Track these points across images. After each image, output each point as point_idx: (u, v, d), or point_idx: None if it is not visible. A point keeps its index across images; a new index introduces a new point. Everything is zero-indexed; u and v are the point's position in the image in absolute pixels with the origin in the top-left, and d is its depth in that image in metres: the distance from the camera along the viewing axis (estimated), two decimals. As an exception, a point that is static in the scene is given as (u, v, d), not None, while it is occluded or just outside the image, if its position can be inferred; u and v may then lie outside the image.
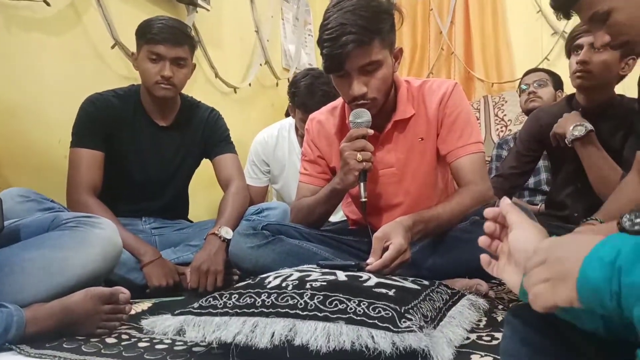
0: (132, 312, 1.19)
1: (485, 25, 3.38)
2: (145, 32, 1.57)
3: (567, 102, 1.72)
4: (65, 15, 1.87)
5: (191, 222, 1.84)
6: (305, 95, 1.91)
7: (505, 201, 0.65)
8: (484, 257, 0.66)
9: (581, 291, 0.42)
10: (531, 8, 3.21)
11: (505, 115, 3.18)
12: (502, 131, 3.11)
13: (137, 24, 1.62)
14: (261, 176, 2.29)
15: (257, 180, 2.29)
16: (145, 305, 1.31)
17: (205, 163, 1.86)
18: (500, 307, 1.19)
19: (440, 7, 3.53)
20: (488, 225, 0.66)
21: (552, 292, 0.45)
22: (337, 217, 2.14)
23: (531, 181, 2.31)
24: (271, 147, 2.25)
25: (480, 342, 0.94)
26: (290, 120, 2.23)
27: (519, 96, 2.38)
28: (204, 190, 2.17)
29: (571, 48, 1.62)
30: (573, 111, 1.60)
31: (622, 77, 1.59)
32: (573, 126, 1.52)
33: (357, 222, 1.54)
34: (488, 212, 0.67)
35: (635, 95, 1.32)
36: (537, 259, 0.47)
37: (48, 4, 1.74)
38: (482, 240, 0.67)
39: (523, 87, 2.28)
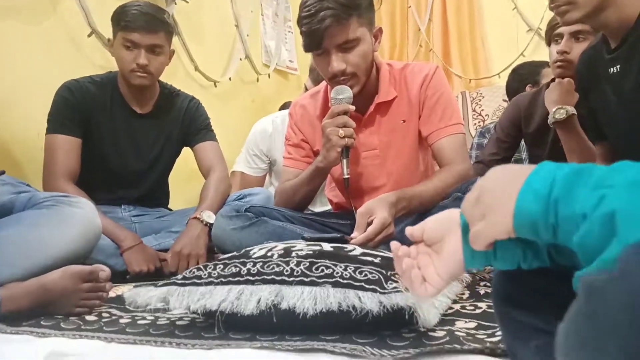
0: (113, 294, 1.17)
1: (462, 23, 3.44)
2: (120, 19, 1.54)
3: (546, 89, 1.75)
4: (41, 3, 1.83)
5: (172, 210, 1.81)
6: None
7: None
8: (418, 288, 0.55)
9: (517, 224, 0.41)
10: (507, 5, 3.28)
11: (482, 110, 3.24)
12: (479, 126, 3.16)
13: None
14: (261, 165, 2.26)
15: (256, 170, 2.25)
16: (125, 288, 1.28)
17: (185, 155, 1.84)
18: (482, 283, 1.20)
19: (419, 4, 3.59)
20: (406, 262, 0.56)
21: (491, 228, 0.44)
22: (320, 209, 2.13)
23: (512, 172, 2.35)
24: (271, 136, 2.23)
25: (463, 311, 0.95)
26: (285, 113, 2.22)
27: None
28: (184, 182, 2.14)
29: (551, 37, 1.63)
30: (567, 79, 1.55)
31: None
32: (555, 109, 1.53)
33: (341, 205, 1.54)
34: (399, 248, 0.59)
35: None
36: (471, 196, 0.46)
37: (22, -11, 1.70)
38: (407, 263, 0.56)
39: None
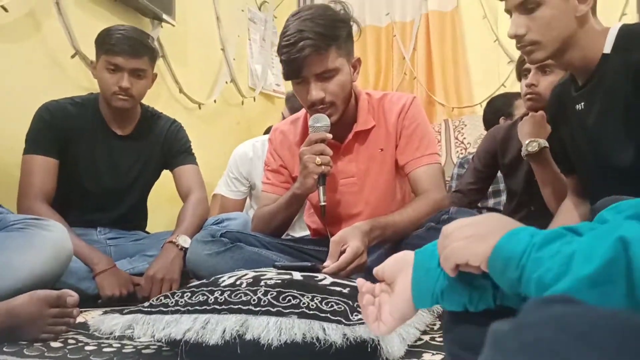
0: (82, 319, 1.15)
1: (445, 52, 3.52)
2: (104, 42, 1.55)
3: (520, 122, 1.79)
4: (24, 23, 1.84)
5: (149, 233, 1.80)
6: None
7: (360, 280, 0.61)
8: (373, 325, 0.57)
9: (495, 254, 0.45)
10: (488, 37, 3.37)
11: (465, 138, 3.29)
12: (461, 153, 3.21)
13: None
14: (241, 188, 2.26)
15: (236, 193, 2.26)
16: (95, 314, 1.26)
17: (167, 177, 1.83)
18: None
19: (403, 33, 3.66)
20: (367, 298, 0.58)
21: (470, 248, 0.47)
22: (300, 233, 2.13)
23: (491, 202, 2.38)
24: (251, 160, 2.23)
25: (433, 342, 0.95)
26: (266, 137, 2.24)
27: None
28: (164, 204, 2.13)
29: (521, 72, 1.68)
30: (540, 113, 1.58)
31: None
32: (528, 141, 1.57)
33: (319, 231, 1.54)
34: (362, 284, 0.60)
35: None
36: (461, 222, 0.50)
37: (6, 10, 1.71)
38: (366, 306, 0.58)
39: None
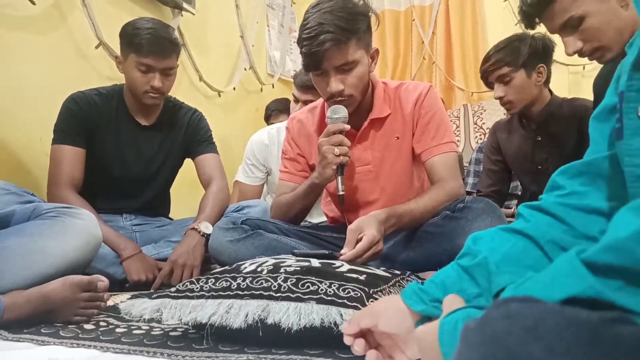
0: (111, 303, 1.21)
1: (465, 36, 3.47)
2: (133, 41, 1.55)
3: (518, 117, 1.80)
4: (50, 15, 1.89)
5: (172, 220, 1.86)
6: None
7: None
8: None
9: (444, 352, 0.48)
10: (510, 20, 3.31)
11: (484, 123, 3.27)
12: (480, 139, 3.19)
13: (121, 25, 1.63)
14: (258, 174, 2.31)
15: (254, 179, 2.31)
16: (123, 297, 1.33)
17: (188, 165, 1.88)
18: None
19: (423, 17, 3.63)
20: (357, 343, 0.65)
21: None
22: (318, 220, 2.17)
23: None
24: (267, 146, 2.28)
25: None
26: (280, 125, 2.28)
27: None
28: (186, 191, 2.19)
29: (487, 84, 1.74)
30: None
31: (546, 83, 1.70)
32: None
33: (336, 219, 1.58)
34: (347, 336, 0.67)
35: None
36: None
37: (33, 3, 1.76)
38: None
39: None
